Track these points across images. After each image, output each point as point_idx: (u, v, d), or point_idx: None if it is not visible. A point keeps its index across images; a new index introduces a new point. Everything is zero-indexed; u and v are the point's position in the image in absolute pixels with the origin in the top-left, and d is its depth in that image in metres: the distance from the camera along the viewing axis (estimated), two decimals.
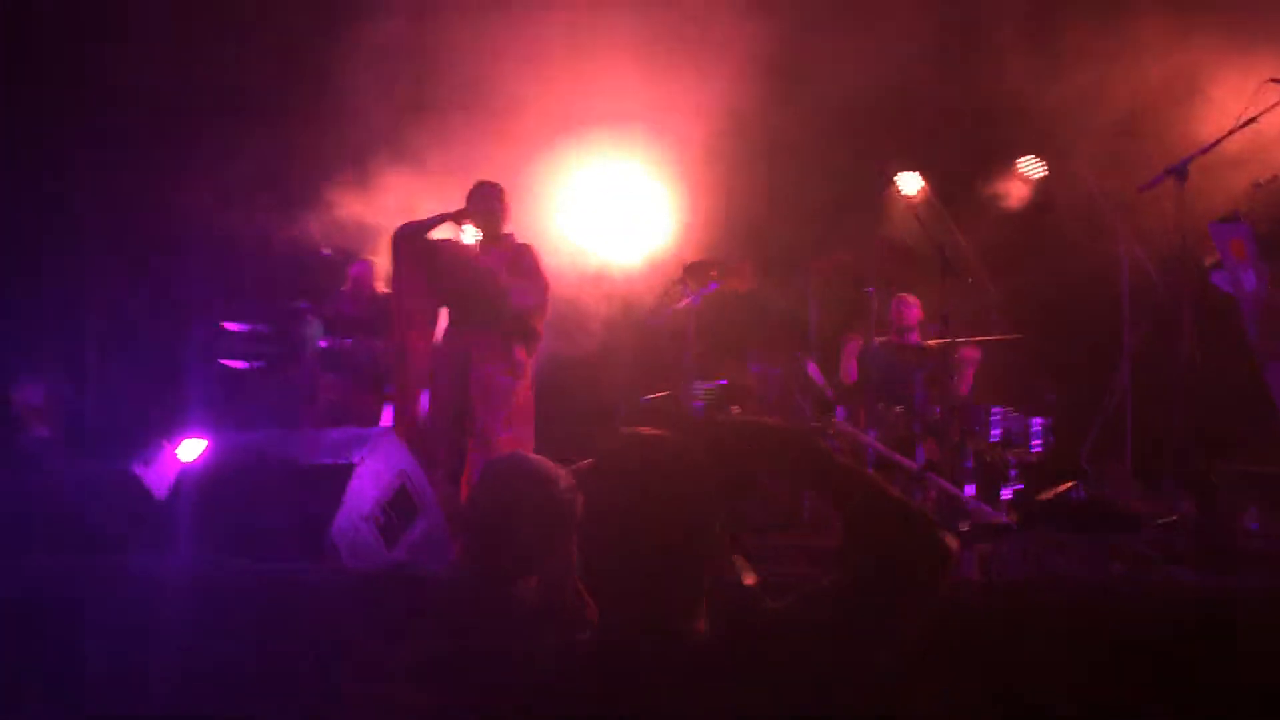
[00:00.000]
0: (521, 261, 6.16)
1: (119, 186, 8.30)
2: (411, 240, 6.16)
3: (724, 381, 7.48)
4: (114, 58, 7.87)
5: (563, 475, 2.62)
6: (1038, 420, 6.91)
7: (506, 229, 6.21)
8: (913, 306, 7.43)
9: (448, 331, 6.18)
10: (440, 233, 6.21)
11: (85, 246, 8.60)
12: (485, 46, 7.36)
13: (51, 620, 4.20)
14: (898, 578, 1.96)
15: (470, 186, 6.19)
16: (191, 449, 6.09)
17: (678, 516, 1.96)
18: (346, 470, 4.77)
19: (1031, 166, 8.56)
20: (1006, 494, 6.76)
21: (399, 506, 4.91)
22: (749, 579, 2.13)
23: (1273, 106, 5.43)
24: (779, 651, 1.91)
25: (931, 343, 7.17)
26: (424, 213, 6.38)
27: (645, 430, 2.07)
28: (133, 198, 8.23)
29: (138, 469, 5.51)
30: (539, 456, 2.73)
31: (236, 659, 3.81)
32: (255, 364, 7.20)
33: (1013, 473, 6.80)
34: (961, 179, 8.49)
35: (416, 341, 6.22)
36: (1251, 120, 5.44)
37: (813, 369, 7.32)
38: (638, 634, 1.95)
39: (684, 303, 7.38)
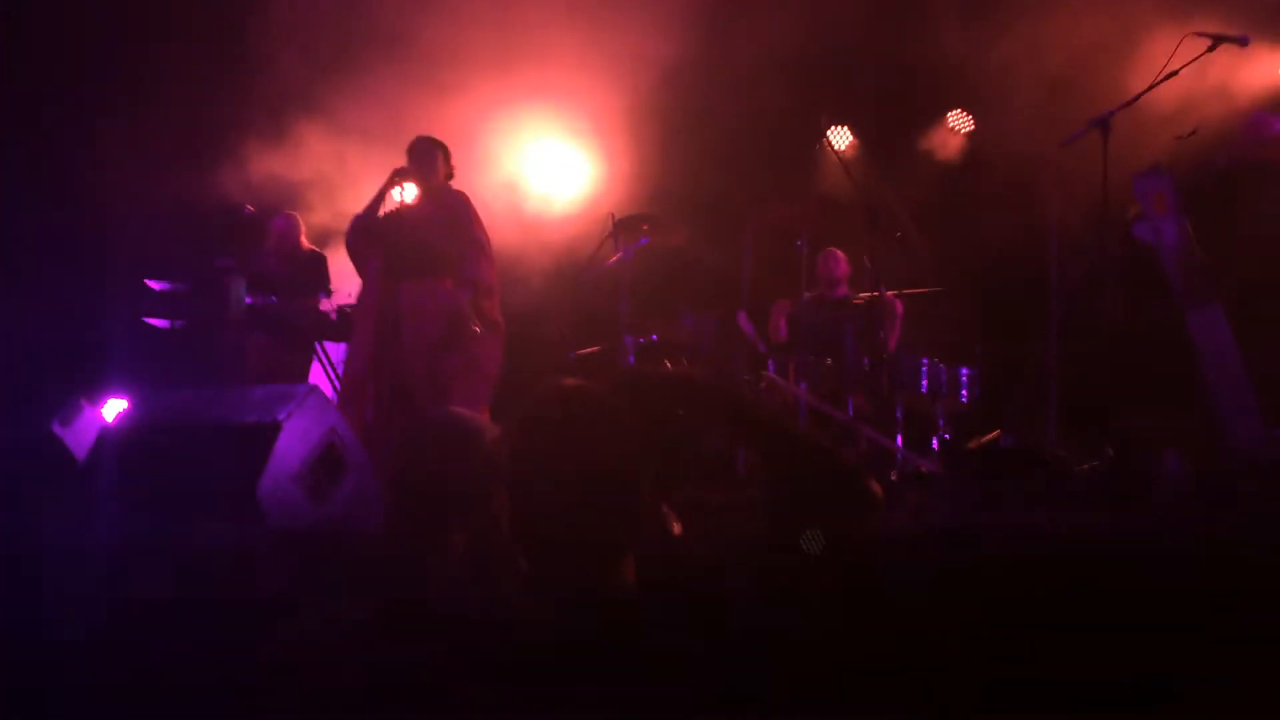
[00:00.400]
0: (458, 210, 6.07)
1: (36, 145, 8.09)
2: (365, 229, 6.05)
3: (655, 337, 7.47)
4: (28, 12, 7.64)
5: (489, 429, 2.61)
6: (965, 371, 6.99)
7: (447, 181, 6.13)
8: (840, 261, 7.48)
9: (381, 284, 6.05)
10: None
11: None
12: (407, 6, 7.25)
13: None
14: (823, 525, 1.97)
15: (395, 139, 6.13)
16: (113, 409, 5.98)
17: (602, 466, 1.95)
18: (273, 428, 4.70)
19: (961, 121, 8.61)
20: (935, 444, 6.85)
21: (328, 464, 4.85)
22: (676, 529, 2.13)
23: (1195, 60, 5.49)
24: (705, 600, 1.91)
25: (860, 297, 7.22)
26: (359, 188, 6.30)
27: (569, 381, 2.05)
28: (50, 155, 8.02)
29: (57, 429, 5.40)
30: (466, 411, 2.72)
31: (161, 623, 3.76)
32: (179, 323, 7.06)
33: (941, 423, 6.88)
34: (892, 133, 8.53)
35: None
36: (1173, 73, 5.50)
37: (744, 321, 7.33)
38: (565, 584, 1.94)
39: (616, 257, 7.35)
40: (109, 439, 5.18)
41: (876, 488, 2.03)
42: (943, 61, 7.64)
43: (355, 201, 7.26)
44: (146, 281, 7.12)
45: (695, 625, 1.90)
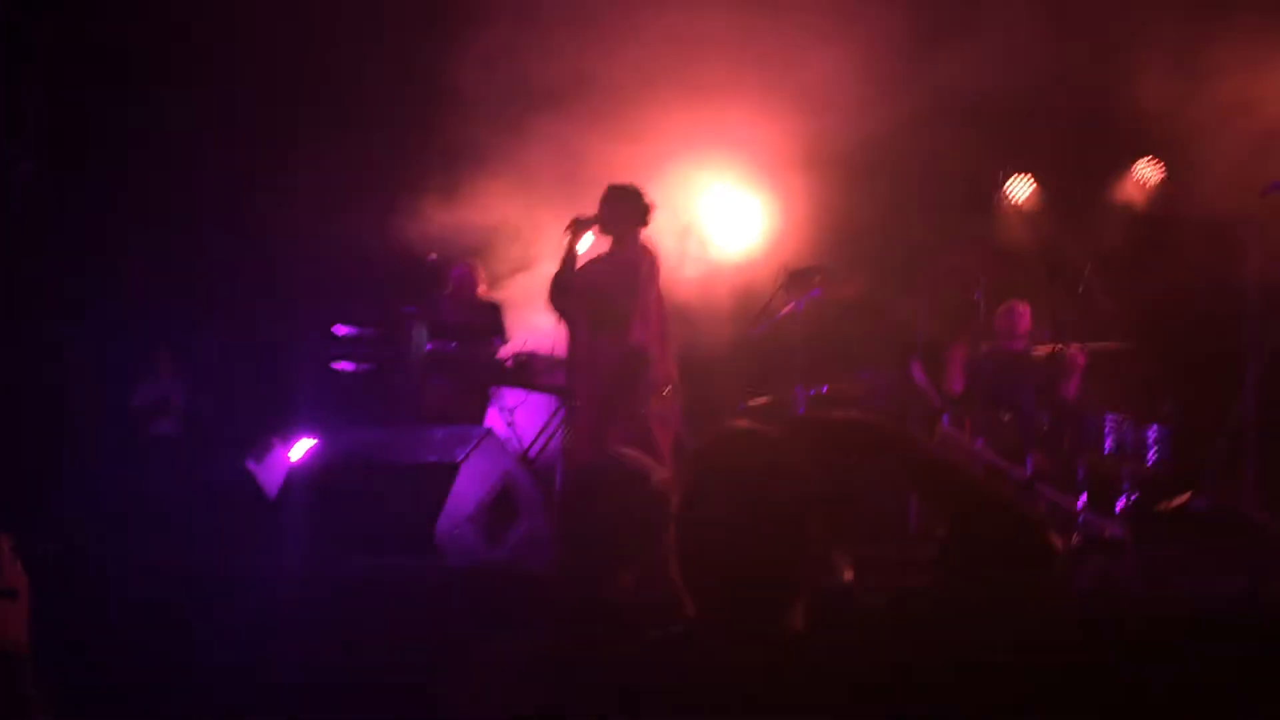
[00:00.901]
0: (636, 264, 6.05)
1: (236, 196, 8.56)
2: (561, 284, 6.02)
3: (825, 389, 7.39)
4: (228, 69, 8.11)
5: (655, 471, 2.62)
6: (1153, 430, 6.68)
7: (636, 230, 6.12)
8: (1023, 315, 7.26)
9: (582, 338, 6.00)
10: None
11: (204, 253, 8.88)
12: (588, 51, 7.39)
13: (169, 615, 4.32)
14: (999, 577, 1.91)
15: (574, 184, 6.19)
16: (302, 448, 6.23)
17: (775, 510, 1.94)
18: (451, 469, 4.84)
19: (1148, 171, 8.33)
20: (1120, 505, 6.57)
21: (502, 506, 4.96)
22: (848, 575, 2.09)
23: None
24: (874, 647, 1.87)
25: (1039, 349, 7.00)
26: (540, 234, 6.31)
27: (741, 423, 2.04)
28: (248, 207, 8.48)
29: (252, 466, 5.66)
30: (633, 452, 2.73)
31: (340, 653, 3.89)
32: (364, 367, 7.33)
33: (1126, 484, 6.59)
34: (1076, 182, 8.30)
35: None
36: None
37: (918, 372, 7.19)
38: (733, 627, 1.93)
39: (787, 310, 7.31)
40: (297, 477, 5.40)
41: (1058, 541, 1.95)
42: (1134, 109, 7.41)
43: (535, 247, 7.44)
44: (333, 328, 7.43)
45: (861, 672, 1.86)
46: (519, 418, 7.27)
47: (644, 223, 6.08)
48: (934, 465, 2.00)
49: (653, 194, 6.17)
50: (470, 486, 4.86)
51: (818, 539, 1.96)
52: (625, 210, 6.01)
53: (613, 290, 5.91)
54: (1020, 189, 8.04)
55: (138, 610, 4.37)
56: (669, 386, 5.84)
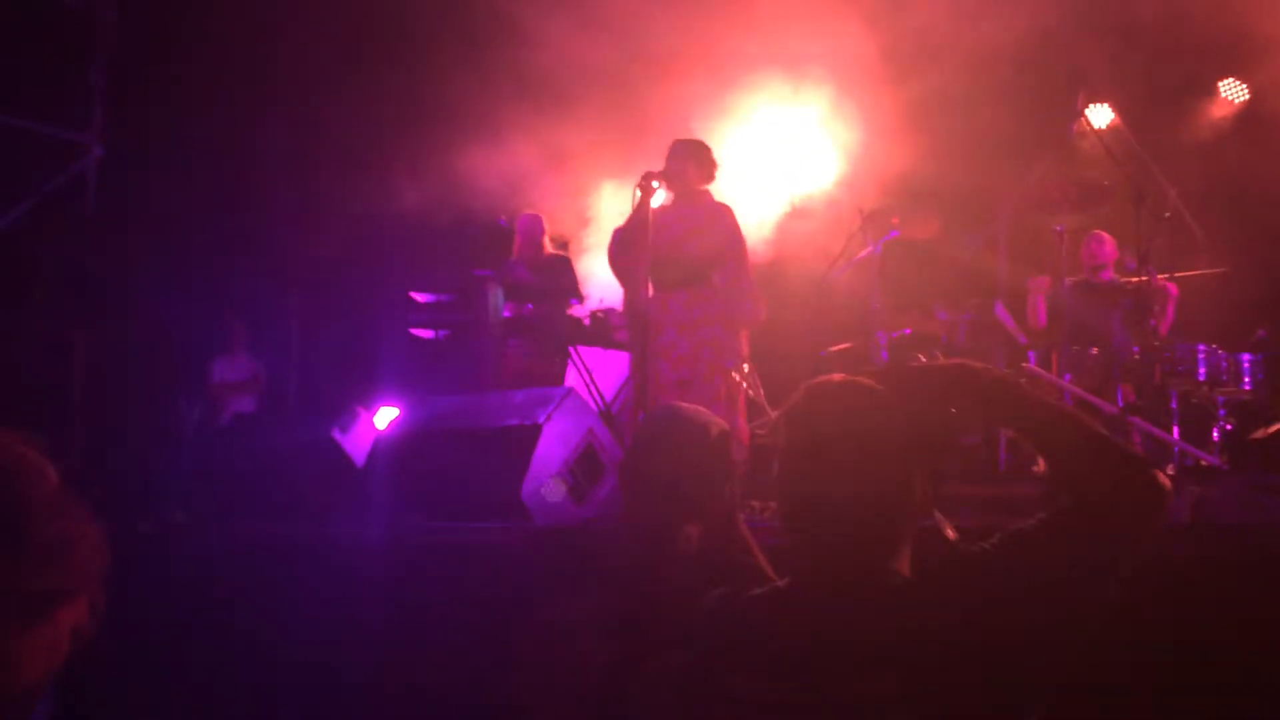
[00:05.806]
0: (717, 216, 5.97)
1: (305, 169, 8.63)
2: (625, 240, 5.91)
3: (908, 330, 7.26)
4: (300, 46, 8.16)
5: (715, 423, 2.62)
6: (1247, 356, 6.49)
7: (704, 186, 6.04)
8: (1106, 243, 7.07)
9: (656, 296, 5.81)
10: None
11: (277, 227, 8.98)
12: None
13: (254, 585, 4.39)
14: (1107, 518, 1.85)
15: (636, 136, 6.12)
16: (385, 416, 6.28)
17: (880, 458, 1.91)
18: (534, 431, 4.84)
19: (1234, 90, 8.07)
20: (1216, 435, 6.40)
21: (586, 464, 4.95)
22: (951, 534, 2.06)
23: None
24: (982, 592, 1.83)
25: (1128, 279, 6.81)
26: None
27: (841, 376, 2.02)
28: (324, 179, 8.54)
29: (337, 435, 5.71)
30: (694, 406, 2.72)
31: (428, 620, 3.92)
32: (442, 333, 7.36)
33: (1222, 413, 6.42)
34: (1157, 107, 8.04)
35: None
36: None
37: (1001, 312, 7.04)
38: (840, 573, 1.90)
39: (865, 252, 7.17)
40: (382, 446, 5.45)
41: (1164, 479, 1.89)
42: (1211, 25, 7.15)
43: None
44: (411, 294, 7.46)
45: (969, 617, 1.82)
46: (599, 375, 7.25)
47: (712, 178, 6.03)
48: (1034, 407, 1.95)
49: (713, 144, 6.13)
50: (554, 447, 4.86)
51: (922, 486, 1.92)
52: (695, 165, 5.95)
53: (695, 244, 5.84)
54: (1099, 117, 7.80)
55: (228, 585, 4.45)
56: (745, 365, 5.73)
